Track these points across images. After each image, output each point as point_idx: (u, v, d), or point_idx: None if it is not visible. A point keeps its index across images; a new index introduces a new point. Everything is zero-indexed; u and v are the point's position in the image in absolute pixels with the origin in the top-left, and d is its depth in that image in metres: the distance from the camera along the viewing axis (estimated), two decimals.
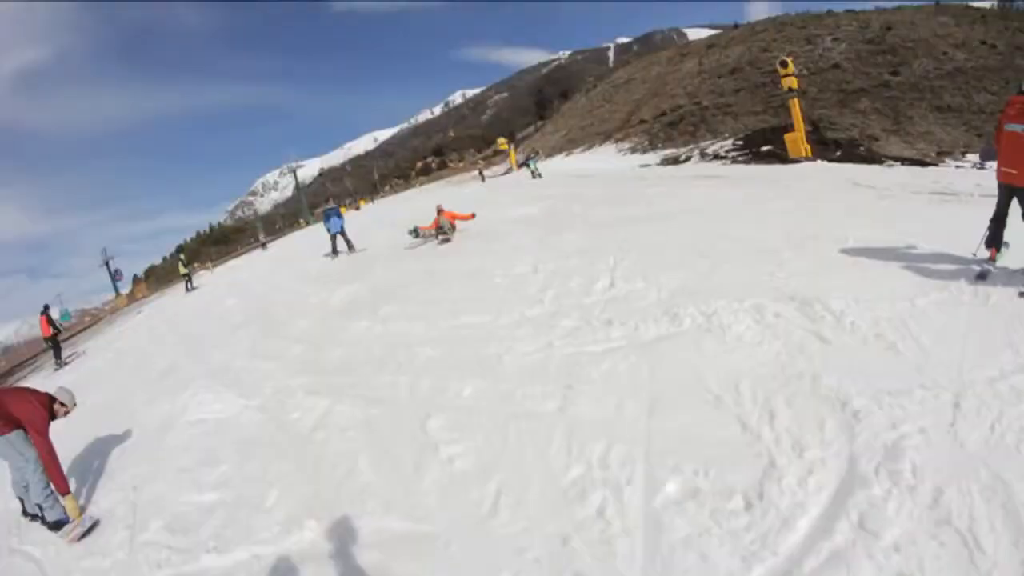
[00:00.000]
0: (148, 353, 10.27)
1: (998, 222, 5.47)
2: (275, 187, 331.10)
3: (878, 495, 2.66)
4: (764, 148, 20.91)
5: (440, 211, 12.79)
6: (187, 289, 21.52)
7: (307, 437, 4.46)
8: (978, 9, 34.84)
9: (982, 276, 5.14)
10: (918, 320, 4.36)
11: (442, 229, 12.47)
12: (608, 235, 8.65)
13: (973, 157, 16.63)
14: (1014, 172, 5.24)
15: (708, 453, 3.02)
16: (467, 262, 9.20)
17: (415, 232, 13.10)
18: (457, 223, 12.75)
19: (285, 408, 5.13)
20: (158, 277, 59.95)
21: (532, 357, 4.74)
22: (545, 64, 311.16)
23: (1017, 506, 2.53)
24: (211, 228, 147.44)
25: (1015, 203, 5.37)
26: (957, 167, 16.10)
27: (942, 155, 17.09)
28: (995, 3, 37.22)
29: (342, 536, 3.04)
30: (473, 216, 12.93)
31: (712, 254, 6.58)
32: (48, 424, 4.00)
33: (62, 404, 4.20)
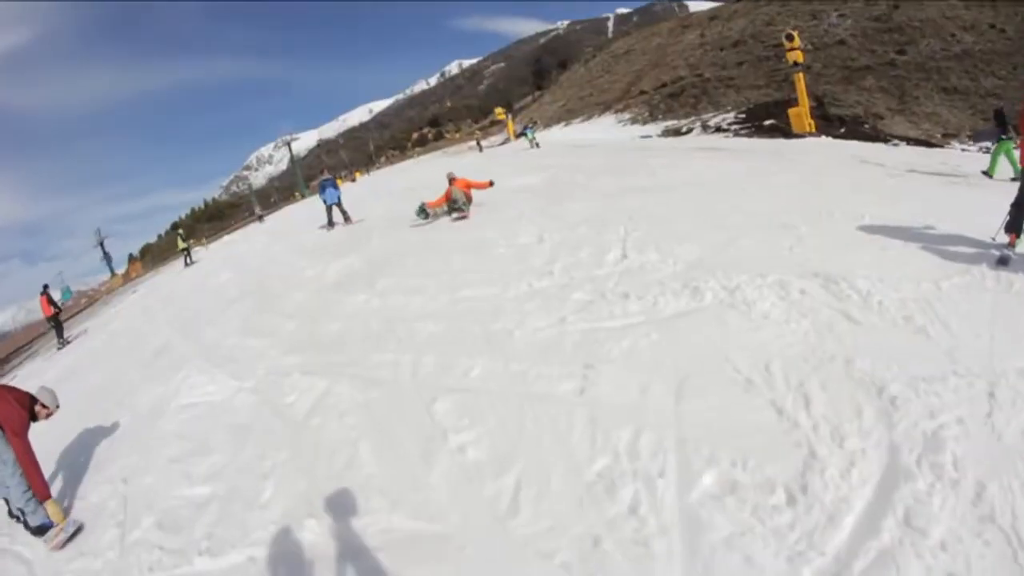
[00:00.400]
0: (142, 333, 10.02)
1: (1019, 207, 5.29)
2: (270, 161, 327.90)
3: (922, 489, 2.49)
4: (767, 122, 20.57)
5: (452, 180, 10.86)
6: (186, 264, 21.60)
7: (303, 423, 4.19)
8: None
9: (1003, 261, 4.96)
10: (944, 304, 4.16)
11: (455, 203, 10.49)
12: (614, 205, 8.38)
13: (982, 142, 16.28)
14: None
15: (744, 442, 2.78)
16: (467, 232, 8.93)
17: (423, 212, 10.91)
18: (473, 193, 10.89)
19: (280, 390, 4.86)
20: (153, 255, 59.34)
21: (544, 333, 4.47)
22: (543, 34, 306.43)
23: None
24: (206, 204, 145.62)
25: None
26: (963, 150, 15.86)
27: (948, 137, 16.84)
28: None
29: (345, 537, 2.81)
30: (491, 184, 11.06)
31: (726, 226, 6.33)
32: (27, 425, 3.72)
33: (44, 406, 3.91)
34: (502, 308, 5.20)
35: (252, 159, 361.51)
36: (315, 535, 2.91)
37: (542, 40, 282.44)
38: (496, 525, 2.62)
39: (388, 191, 20.26)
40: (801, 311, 4.11)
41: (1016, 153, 10.22)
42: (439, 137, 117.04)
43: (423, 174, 23.15)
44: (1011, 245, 5.27)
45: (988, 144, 11.60)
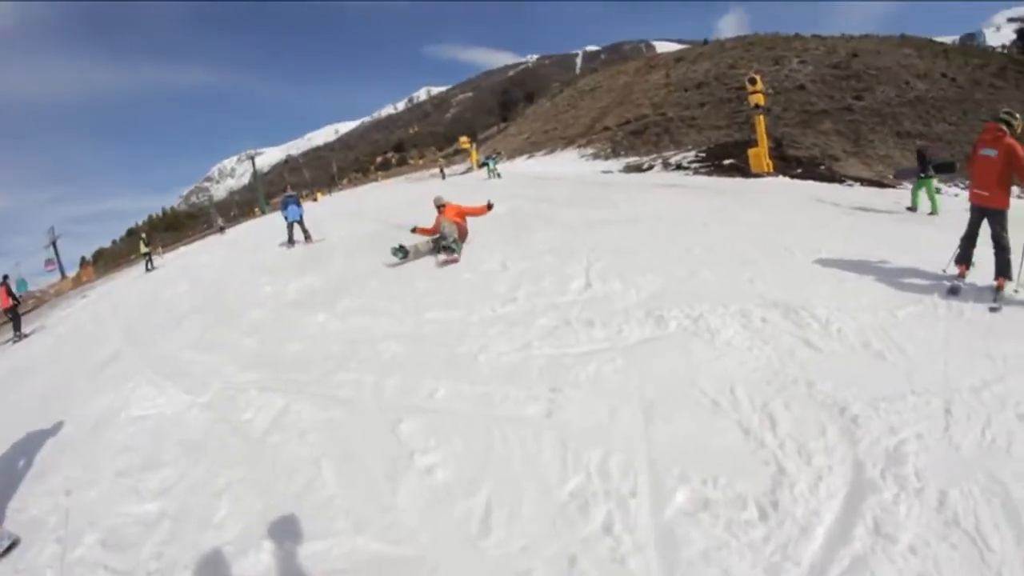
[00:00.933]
0: (91, 340, 9.51)
1: (968, 241, 5.72)
2: (232, 174, 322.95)
3: (888, 499, 2.64)
4: (727, 161, 21.33)
5: (441, 208, 9.17)
6: (147, 269, 21.00)
7: (261, 440, 4.01)
8: (941, 44, 37.01)
9: (954, 291, 5.32)
10: (900, 331, 4.40)
11: (444, 239, 8.53)
12: (578, 236, 8.50)
13: (904, 179, 17.38)
14: (986, 194, 5.53)
15: (713, 461, 2.84)
16: (430, 258, 8.89)
17: (401, 251, 8.69)
18: (467, 222, 9.19)
19: (236, 406, 4.66)
20: (107, 261, 56.60)
21: (509, 357, 4.47)
22: (512, 67, 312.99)
23: (1016, 505, 2.62)
24: (164, 212, 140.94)
25: (985, 224, 5.58)
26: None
27: (900, 178, 17.76)
28: (956, 39, 39.50)
29: (306, 561, 2.67)
30: (490, 207, 9.54)
31: (688, 259, 6.52)
32: None
33: None
34: (467, 332, 5.19)
35: (214, 170, 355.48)
36: (273, 557, 2.76)
37: (511, 72, 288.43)
38: (468, 546, 2.56)
39: (350, 212, 20.04)
40: (763, 338, 4.25)
41: (937, 192, 11.44)
42: (403, 162, 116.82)
43: (385, 198, 23.05)
44: (961, 276, 5.65)
45: (908, 183, 12.74)
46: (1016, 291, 5.34)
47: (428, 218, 9.57)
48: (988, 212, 5.57)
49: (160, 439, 4.45)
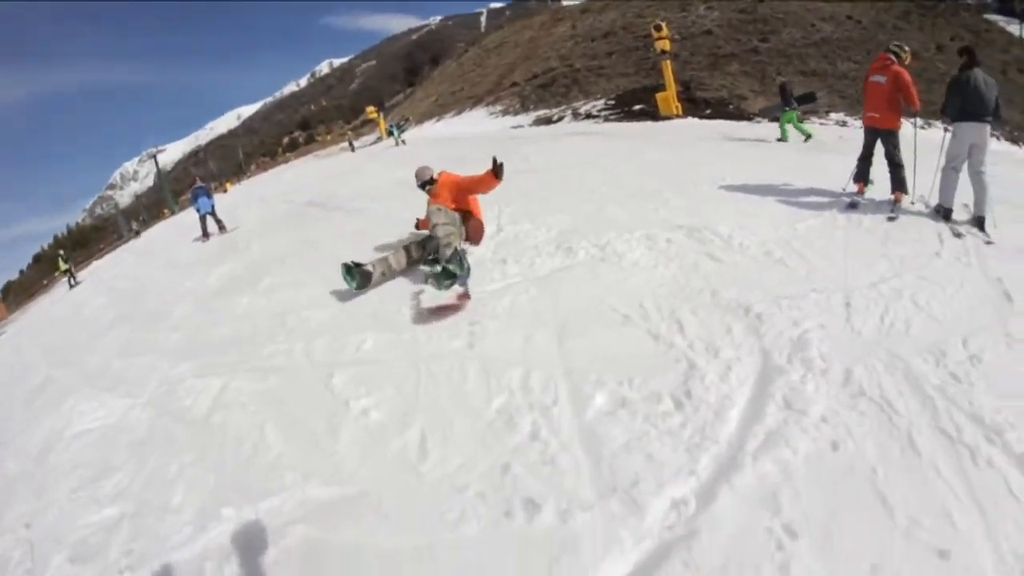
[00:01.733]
0: (18, 373, 8.81)
1: (864, 161, 6.34)
2: (135, 177, 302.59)
3: (796, 380, 2.95)
4: (636, 107, 21.82)
5: (432, 187, 5.87)
6: (71, 285, 19.91)
7: (204, 422, 4.02)
8: None
9: (853, 205, 5.91)
10: (801, 241, 4.84)
11: (434, 248, 5.15)
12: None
13: (836, 115, 18.47)
14: (877, 116, 6.16)
15: (627, 365, 3.11)
16: (346, 224, 8.81)
17: (351, 275, 5.23)
18: (477, 206, 5.97)
19: (175, 397, 4.60)
20: (17, 293, 51.89)
21: (430, 303, 4.65)
22: (415, 30, 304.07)
23: (917, 376, 2.99)
24: (69, 230, 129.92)
25: (879, 144, 6.19)
26: (821, 123, 17.83)
27: (807, 113, 18.78)
28: None
29: (264, 517, 2.76)
30: (497, 172, 5.12)
31: (595, 198, 6.83)
32: None
33: None
34: (396, 308, 5.25)
35: (116, 177, 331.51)
36: (234, 523, 2.83)
37: (414, 36, 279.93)
38: (408, 474, 2.72)
39: (261, 198, 19.35)
40: (668, 256, 4.59)
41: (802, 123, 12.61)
42: (310, 140, 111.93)
43: (295, 179, 22.29)
44: (860, 193, 6.25)
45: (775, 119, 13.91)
46: (912, 203, 5.96)
47: (342, 193, 9.52)
48: (880, 133, 6.16)
49: (107, 447, 4.34)
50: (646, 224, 5.39)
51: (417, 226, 6.62)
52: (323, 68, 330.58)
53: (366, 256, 5.81)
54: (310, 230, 9.58)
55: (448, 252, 4.67)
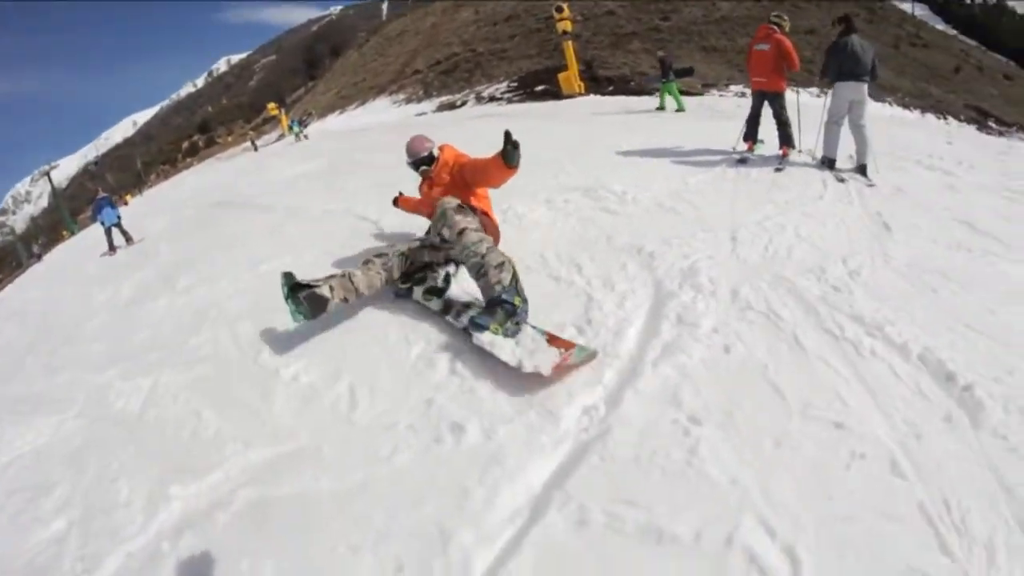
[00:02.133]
0: None
1: (753, 121, 7.08)
2: (28, 199, 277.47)
3: (687, 300, 3.36)
4: (539, 88, 22.36)
5: (429, 169, 4.60)
6: None
7: (139, 419, 4.02)
8: None
9: (743, 161, 6.60)
10: (692, 193, 5.38)
11: (444, 259, 4.07)
12: (392, 173, 8.83)
13: (736, 87, 19.62)
14: (763, 80, 6.87)
15: (531, 304, 3.42)
16: (256, 220, 8.77)
17: (303, 305, 3.55)
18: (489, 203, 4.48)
19: (106, 402, 4.51)
20: None
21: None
22: (316, 21, 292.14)
23: (800, 290, 3.45)
24: None
25: (767, 105, 6.96)
26: (720, 95, 18.87)
27: (707, 87, 19.81)
28: None
29: (211, 490, 2.88)
30: (509, 155, 3.94)
31: None
32: None
33: None
34: (302, 270, 5.37)
35: (7, 201, 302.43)
36: (182, 501, 2.93)
37: (315, 28, 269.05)
38: (341, 423, 2.96)
39: (164, 205, 18.53)
40: (566, 213, 5.05)
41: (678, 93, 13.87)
42: (211, 143, 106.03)
43: (197, 183, 21.42)
44: (749, 151, 6.93)
45: (656, 84, 15.15)
46: (799, 151, 6.69)
47: (248, 192, 9.58)
48: (767, 95, 6.87)
49: (43, 465, 4.16)
50: (546, 189, 5.82)
51: (397, 203, 5.33)
52: (221, 66, 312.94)
53: (296, 259, 5.78)
54: (220, 229, 9.42)
55: (507, 277, 3.28)
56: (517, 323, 3.11)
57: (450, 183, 4.27)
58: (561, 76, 20.16)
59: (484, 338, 2.99)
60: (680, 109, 13.22)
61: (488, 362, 3.05)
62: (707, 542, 2.10)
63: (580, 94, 19.68)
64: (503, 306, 3.15)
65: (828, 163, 6.35)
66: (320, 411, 3.11)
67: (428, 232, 4.20)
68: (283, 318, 4.32)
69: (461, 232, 3.58)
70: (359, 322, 3.98)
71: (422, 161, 4.60)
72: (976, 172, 6.37)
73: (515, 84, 24.37)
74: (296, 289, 3.58)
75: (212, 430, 3.40)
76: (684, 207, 4.98)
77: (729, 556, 2.03)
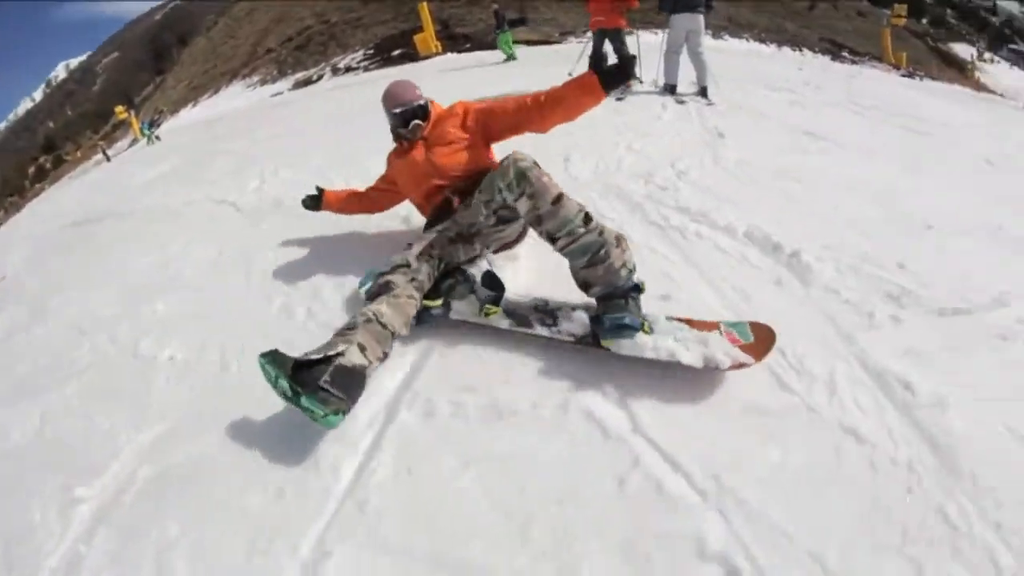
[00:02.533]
0: None
1: (596, 57, 7.69)
2: None
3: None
4: (396, 52, 22.15)
5: (428, 131, 3.46)
6: None
7: (38, 441, 3.81)
8: None
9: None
10: None
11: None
12: (251, 155, 9.14)
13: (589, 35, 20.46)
14: (602, 19, 7.46)
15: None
16: (114, 231, 8.41)
17: (324, 408, 2.25)
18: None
19: (4, 438, 4.27)
20: None
21: (208, 259, 5.26)
22: (159, 8, 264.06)
23: (628, 193, 4.06)
24: None
25: (608, 43, 7.67)
26: (578, 42, 19.58)
27: (565, 35, 20.35)
28: None
29: (114, 479, 2.99)
30: (603, 83, 2.95)
31: (354, 143, 7.67)
32: None
33: None
34: (178, 272, 5.44)
35: None
36: (88, 501, 2.96)
37: (158, 16, 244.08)
38: (216, 388, 3.28)
39: (17, 241, 16.88)
40: None
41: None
42: (60, 162, 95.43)
43: (55, 208, 19.40)
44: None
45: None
46: (641, 82, 7.32)
47: (104, 202, 9.90)
48: (607, 32, 7.49)
49: None
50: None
51: (318, 204, 4.44)
52: (59, 72, 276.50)
53: (162, 253, 5.97)
54: (83, 246, 8.87)
55: (632, 255, 2.53)
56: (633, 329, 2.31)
57: (461, 143, 3.30)
58: (417, 37, 20.12)
59: (645, 342, 2.30)
60: (511, 58, 13.94)
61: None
62: (545, 409, 2.50)
63: (437, 53, 19.76)
64: (631, 295, 2.40)
65: (670, 88, 7.04)
66: (193, 383, 3.40)
67: (450, 215, 3.08)
68: (150, 309, 4.54)
69: (558, 200, 2.49)
70: (219, 290, 4.41)
71: (413, 113, 3.48)
72: (823, 92, 7.10)
73: (371, 51, 24.08)
74: (301, 373, 2.34)
75: (104, 429, 3.49)
76: (522, 139, 5.37)
77: (567, 418, 2.42)
